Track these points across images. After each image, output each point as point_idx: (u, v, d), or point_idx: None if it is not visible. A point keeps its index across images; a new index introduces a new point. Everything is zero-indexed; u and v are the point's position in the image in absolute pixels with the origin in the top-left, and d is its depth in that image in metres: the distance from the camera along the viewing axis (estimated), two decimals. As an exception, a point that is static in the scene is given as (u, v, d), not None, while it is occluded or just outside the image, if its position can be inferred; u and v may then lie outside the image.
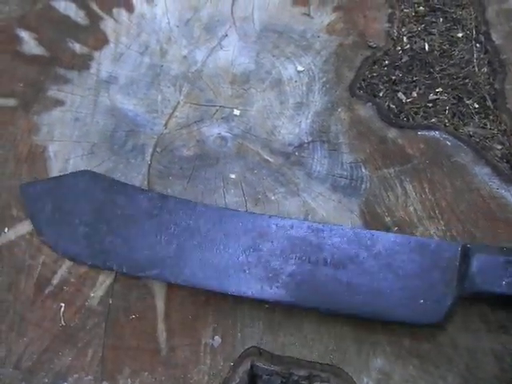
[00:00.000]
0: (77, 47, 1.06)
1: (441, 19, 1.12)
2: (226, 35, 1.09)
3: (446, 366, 0.76)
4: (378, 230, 0.85)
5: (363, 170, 0.92)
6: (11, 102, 0.99)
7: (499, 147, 0.96)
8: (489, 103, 1.01)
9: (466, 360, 0.76)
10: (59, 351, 0.79)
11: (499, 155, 0.95)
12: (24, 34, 1.07)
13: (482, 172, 0.90)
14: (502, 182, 0.89)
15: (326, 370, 0.77)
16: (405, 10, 1.13)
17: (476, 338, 0.78)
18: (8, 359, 0.78)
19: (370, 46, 1.07)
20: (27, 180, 0.90)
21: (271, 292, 0.77)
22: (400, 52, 1.08)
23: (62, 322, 0.80)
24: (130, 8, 1.12)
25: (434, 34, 1.10)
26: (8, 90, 1.00)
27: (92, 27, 1.09)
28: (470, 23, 1.11)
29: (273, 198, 0.90)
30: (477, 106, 1.01)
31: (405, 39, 1.10)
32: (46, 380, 0.77)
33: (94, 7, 1.11)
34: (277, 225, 0.81)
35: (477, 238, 0.84)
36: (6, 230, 0.87)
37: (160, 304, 0.82)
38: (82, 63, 1.05)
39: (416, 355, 0.77)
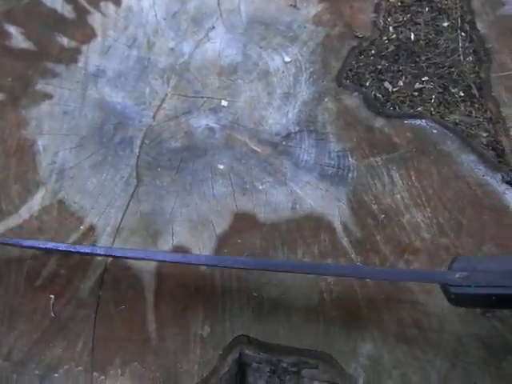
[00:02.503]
0: (64, 41, 1.06)
1: (426, 9, 1.13)
2: (213, 27, 1.09)
3: (433, 351, 0.77)
4: (364, 218, 0.86)
5: (350, 159, 0.93)
6: (0, 96, 0.99)
7: (485, 135, 0.96)
8: (474, 91, 1.01)
9: (453, 345, 0.77)
10: (50, 343, 0.79)
11: (485, 143, 0.95)
12: (11, 29, 1.07)
13: (468, 159, 0.91)
14: (488, 169, 0.90)
15: (315, 357, 0.78)
16: (391, 1, 1.13)
17: (462, 323, 0.78)
18: (-1, 352, 0.78)
19: (356, 37, 1.07)
20: (15, 175, 0.90)
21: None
22: (386, 42, 1.08)
23: (53, 314, 0.81)
24: (117, 1, 1.12)
25: (420, 24, 1.11)
26: (-3, 85, 1.00)
27: (79, 21, 1.09)
28: (456, 13, 1.11)
29: (260, 187, 0.90)
30: (462, 94, 1.02)
31: (391, 29, 1.10)
32: (37, 372, 0.77)
33: (81, 1, 1.11)
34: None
35: (463, 224, 0.85)
36: (-4, 223, 0.87)
37: (149, 295, 0.82)
38: (70, 57, 1.05)
39: (404, 341, 0.77)
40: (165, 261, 0.80)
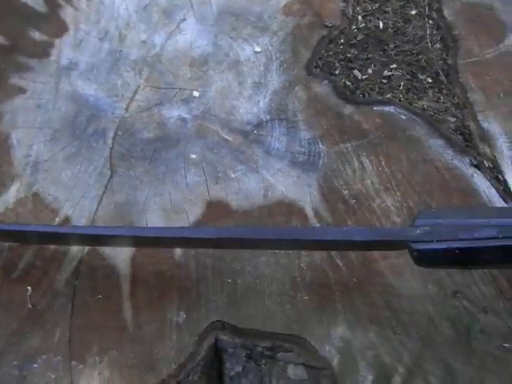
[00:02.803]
0: (37, 35, 1.07)
1: (394, -3, 1.14)
2: (184, 19, 1.10)
3: (405, 332, 0.78)
4: (335, 203, 0.88)
5: (321, 146, 0.94)
6: (-28, 90, 0.99)
7: (452, 120, 0.98)
8: (442, 78, 1.03)
9: (424, 326, 0.78)
10: (27, 333, 0.79)
11: (453, 127, 0.97)
12: None
13: (437, 144, 0.93)
14: (456, 153, 0.91)
15: (289, 341, 0.79)
16: (359, -11, 1.15)
17: (433, 305, 0.80)
18: (-24, 343, 0.79)
19: (325, 26, 1.09)
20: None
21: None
22: (355, 30, 1.10)
23: (30, 305, 0.81)
24: (88, -5, 1.13)
25: (388, 13, 1.12)
26: (-31, 79, 1.00)
27: (51, 15, 1.09)
28: (423, 1, 1.13)
29: (233, 175, 0.91)
30: (430, 80, 1.03)
31: (360, 18, 1.11)
32: (15, 362, 0.77)
33: (53, -6, 1.12)
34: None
35: (432, 207, 0.86)
36: (-29, 216, 0.87)
37: (125, 283, 0.83)
38: (43, 51, 1.05)
39: (376, 323, 0.79)
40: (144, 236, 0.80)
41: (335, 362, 0.77)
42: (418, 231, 0.69)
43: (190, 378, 0.77)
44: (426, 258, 0.69)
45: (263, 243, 0.79)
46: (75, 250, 0.85)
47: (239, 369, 0.80)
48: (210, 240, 0.77)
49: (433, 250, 0.68)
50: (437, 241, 0.67)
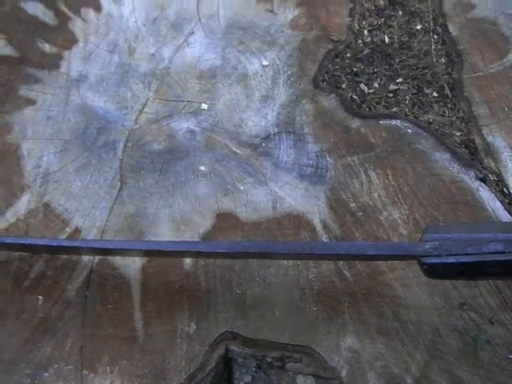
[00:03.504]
0: (46, 47, 1.07)
1: (400, 12, 1.15)
2: (193, 32, 1.11)
3: (412, 343, 0.79)
4: (343, 215, 0.89)
5: (328, 159, 0.95)
6: (-18, 102, 1.00)
7: (458, 133, 0.99)
8: (447, 92, 1.04)
9: (431, 337, 0.80)
10: (39, 342, 0.80)
11: (458, 141, 0.98)
12: None
13: (443, 158, 0.94)
14: (462, 167, 0.93)
15: (298, 351, 0.80)
16: (365, 5, 1.16)
17: (440, 316, 0.81)
18: (-12, 352, 0.80)
19: (332, 40, 1.10)
20: (0, 179, 0.92)
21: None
22: (361, 45, 1.11)
23: (41, 314, 0.82)
24: (97, 7, 1.13)
25: (394, 27, 1.13)
26: (-22, 91, 1.01)
27: (61, 27, 1.10)
28: (428, 16, 1.14)
29: (242, 187, 0.93)
30: (436, 94, 1.04)
31: (365, 32, 1.12)
32: (27, 371, 0.78)
33: (62, 7, 1.13)
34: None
35: (439, 220, 0.87)
36: (-18, 227, 0.88)
37: (136, 293, 0.84)
38: (52, 63, 1.06)
39: (384, 334, 0.80)
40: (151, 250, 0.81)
41: (344, 373, 0.78)
42: (428, 246, 0.72)
43: (200, 387, 0.78)
44: (436, 271, 0.72)
45: (277, 256, 0.81)
46: (86, 259, 0.86)
47: (248, 379, 0.80)
48: (226, 254, 0.78)
49: (442, 264, 0.70)
50: (446, 255, 0.70)
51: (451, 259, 0.70)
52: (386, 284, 0.84)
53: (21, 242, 0.82)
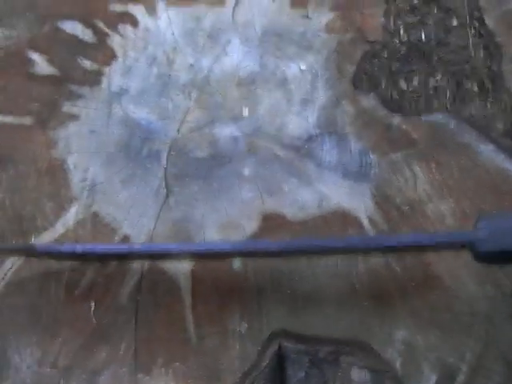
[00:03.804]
0: (87, 64, 1.09)
1: (435, 9, 1.14)
2: (229, 42, 1.12)
3: (465, 333, 0.79)
4: (389, 211, 0.89)
5: (371, 156, 0.95)
6: (27, 120, 1.02)
7: (500, 125, 0.99)
8: (488, 85, 1.04)
9: (484, 326, 0.79)
10: (93, 348, 0.82)
11: (501, 132, 0.98)
12: (35, 56, 1.09)
13: (487, 149, 0.93)
14: (507, 157, 0.92)
15: (351, 345, 0.80)
16: (400, 5, 1.16)
17: (492, 304, 0.81)
18: (45, 360, 0.81)
19: (368, 41, 1.10)
20: (49, 192, 0.94)
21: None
22: (398, 44, 1.10)
23: (94, 321, 0.83)
24: (134, 23, 1.14)
25: (430, 25, 1.13)
26: (24, 110, 1.03)
27: (100, 44, 1.11)
28: (464, 10, 1.13)
29: (286, 189, 0.93)
30: (476, 88, 1.04)
31: (401, 32, 1.12)
32: (84, 376, 0.80)
33: (100, 25, 1.14)
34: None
35: (492, 210, 0.87)
36: (33, 239, 0.90)
37: (186, 296, 0.85)
38: (93, 79, 1.07)
39: (436, 325, 0.80)
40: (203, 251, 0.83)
41: (398, 365, 0.78)
42: (481, 233, 0.73)
43: (255, 386, 0.78)
44: (490, 258, 0.74)
45: (335, 252, 0.83)
46: (136, 266, 0.87)
47: (302, 375, 0.80)
48: (285, 252, 0.81)
49: (496, 251, 0.72)
50: (500, 242, 0.72)
51: (504, 245, 0.71)
52: (435, 276, 0.83)
53: (62, 249, 0.84)
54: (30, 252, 0.85)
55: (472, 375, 0.77)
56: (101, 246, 0.84)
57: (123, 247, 0.85)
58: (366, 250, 0.82)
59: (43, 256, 0.87)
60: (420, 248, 0.80)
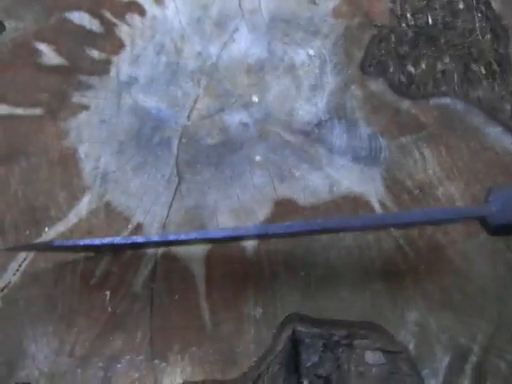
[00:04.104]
0: (95, 54, 1.09)
1: (441, -7, 1.15)
2: (237, 29, 1.12)
3: (477, 314, 0.80)
4: (399, 194, 0.90)
5: (381, 140, 0.96)
6: (37, 111, 1.02)
7: (509, 107, 0.99)
8: (495, 67, 1.04)
9: (496, 307, 0.80)
10: (110, 336, 0.82)
11: (509, 114, 0.98)
12: (42, 47, 1.10)
13: (495, 131, 0.94)
14: (515, 139, 0.93)
15: (365, 328, 0.81)
16: (406, -11, 1.16)
17: (503, 285, 0.82)
18: (62, 349, 0.82)
19: (375, 26, 1.10)
20: (61, 182, 0.94)
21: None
22: (405, 28, 1.11)
23: (109, 309, 0.84)
24: (141, 12, 1.15)
25: (436, 9, 1.13)
26: (33, 101, 1.03)
27: (107, 34, 1.12)
28: (470, -6, 1.14)
29: (297, 174, 0.94)
30: (484, 71, 1.04)
31: (408, 16, 1.13)
32: (101, 364, 0.80)
33: (107, 15, 1.14)
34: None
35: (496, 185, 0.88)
36: (47, 229, 0.90)
37: (201, 284, 0.85)
38: (102, 68, 1.08)
39: (448, 307, 0.81)
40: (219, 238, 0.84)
41: (411, 346, 0.79)
42: (493, 206, 0.74)
43: (270, 369, 0.79)
44: (501, 230, 0.75)
45: (351, 229, 0.84)
46: (150, 253, 0.88)
47: (316, 359, 0.81)
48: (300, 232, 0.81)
49: (509, 222, 0.73)
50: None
51: None
52: (447, 258, 0.84)
53: (80, 243, 0.85)
54: (49, 248, 0.86)
55: (484, 355, 0.78)
56: (118, 239, 0.85)
57: (140, 239, 0.85)
58: (382, 226, 0.83)
59: (62, 251, 0.87)
60: (434, 223, 0.81)
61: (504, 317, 0.79)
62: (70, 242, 0.85)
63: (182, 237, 0.83)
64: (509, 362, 0.77)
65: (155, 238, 0.83)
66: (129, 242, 0.83)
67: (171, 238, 0.83)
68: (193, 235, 0.82)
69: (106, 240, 0.83)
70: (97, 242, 0.84)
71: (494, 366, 0.77)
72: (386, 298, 0.83)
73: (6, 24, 1.13)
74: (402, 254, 0.85)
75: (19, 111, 1.02)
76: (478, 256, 0.84)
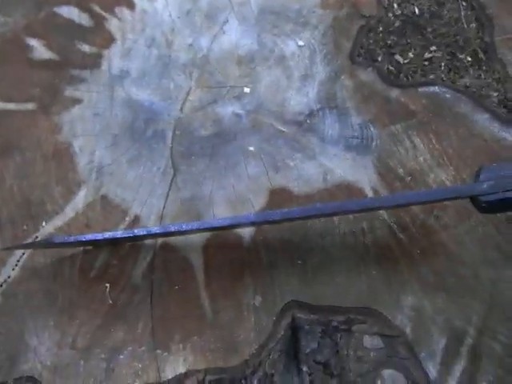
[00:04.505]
0: (86, 48, 1.10)
1: (427, -17, 1.17)
2: (227, 21, 1.13)
3: (470, 296, 0.82)
4: (392, 181, 0.91)
5: (372, 129, 0.98)
6: (30, 105, 1.03)
7: (495, 94, 1.01)
8: (481, 55, 1.06)
9: (488, 289, 0.82)
10: (111, 328, 0.83)
11: (496, 101, 1.00)
12: (33, 42, 1.10)
13: (483, 118, 0.96)
14: (502, 125, 0.95)
15: (362, 313, 0.83)
16: (392, -21, 1.18)
17: (495, 268, 0.84)
18: (63, 341, 0.83)
19: (363, 16, 1.12)
20: (56, 177, 0.95)
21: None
22: (392, 18, 1.13)
23: (110, 301, 0.85)
24: (130, 5, 1.16)
25: (422, -2, 1.16)
26: (26, 96, 1.04)
27: (97, 28, 1.13)
28: (455, -16, 1.16)
29: (291, 164, 0.95)
30: (470, 59, 1.06)
31: (395, 6, 1.14)
32: (103, 355, 0.81)
33: (96, 8, 1.15)
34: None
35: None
36: (44, 224, 0.91)
37: (199, 273, 0.87)
38: (93, 62, 1.08)
39: (443, 290, 0.83)
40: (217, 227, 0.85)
41: (408, 330, 0.81)
42: (485, 185, 0.77)
43: (271, 356, 0.81)
44: (493, 208, 0.77)
45: (349, 212, 0.85)
46: (148, 245, 0.89)
47: (315, 345, 0.83)
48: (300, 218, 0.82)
49: (499, 200, 0.76)
50: (502, 191, 0.75)
51: (508, 194, 0.75)
52: (439, 242, 0.86)
53: (82, 239, 0.86)
54: (49, 245, 0.87)
55: (479, 337, 0.80)
56: (120, 233, 0.86)
57: (140, 232, 0.86)
58: (378, 208, 0.84)
59: (62, 247, 0.88)
60: (429, 203, 0.83)
61: (496, 298, 0.81)
62: (72, 239, 0.86)
63: (184, 227, 0.83)
64: (503, 344, 0.79)
65: (156, 229, 0.84)
66: (131, 235, 0.84)
67: (172, 229, 0.84)
68: (194, 225, 0.84)
69: (108, 235, 0.84)
70: (99, 236, 0.85)
71: (488, 347, 0.79)
72: (382, 283, 0.84)
73: (-5, 19, 1.13)
74: (396, 239, 0.87)
75: (11, 106, 1.03)
76: (470, 240, 0.86)
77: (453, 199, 0.80)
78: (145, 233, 0.84)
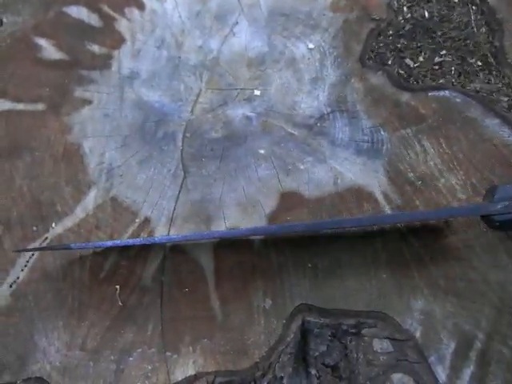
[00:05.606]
0: (95, 48, 1.10)
1: (437, -13, 1.17)
2: (237, 23, 1.14)
3: (480, 300, 0.82)
4: (402, 185, 0.91)
5: (382, 133, 0.98)
6: (40, 106, 1.03)
7: (505, 99, 1.01)
8: (491, 60, 1.06)
9: (498, 293, 0.82)
10: (121, 329, 0.84)
11: (506, 106, 1.00)
12: (42, 42, 1.10)
13: (493, 123, 0.96)
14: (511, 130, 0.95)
15: (372, 317, 0.83)
16: (402, -18, 1.18)
17: (505, 272, 0.84)
18: (73, 343, 0.83)
19: (373, 19, 1.12)
20: (66, 178, 0.95)
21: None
22: (402, 21, 1.13)
23: (120, 303, 0.85)
24: (140, 6, 1.16)
25: (432, 2, 1.15)
26: (35, 96, 1.04)
27: (107, 28, 1.13)
28: (465, -12, 1.16)
29: (302, 167, 0.95)
30: (480, 63, 1.06)
31: (405, 9, 1.14)
32: (112, 357, 0.81)
33: (106, 9, 1.15)
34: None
35: (495, 182, 0.90)
36: (54, 224, 0.91)
37: (210, 275, 0.87)
38: (103, 63, 1.09)
39: (452, 294, 0.83)
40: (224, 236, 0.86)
41: (418, 334, 0.81)
42: (499, 206, 0.80)
43: (281, 359, 0.81)
44: (505, 226, 0.81)
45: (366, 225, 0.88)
46: (158, 247, 0.89)
47: (324, 348, 0.83)
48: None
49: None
50: None
51: None
52: (450, 247, 0.86)
53: (102, 245, 0.87)
54: (65, 249, 0.87)
55: (488, 342, 0.80)
56: (140, 240, 0.86)
57: (154, 239, 0.86)
58: (394, 223, 0.86)
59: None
60: (444, 220, 0.84)
61: (505, 302, 0.82)
62: (90, 245, 0.86)
63: (195, 236, 0.84)
64: (511, 348, 0.79)
65: (175, 237, 0.85)
66: (146, 243, 0.85)
67: (181, 237, 0.85)
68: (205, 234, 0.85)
69: (126, 242, 0.86)
70: (118, 243, 0.86)
71: (497, 351, 0.79)
72: (393, 287, 0.84)
73: (4, 19, 1.13)
74: (407, 244, 0.87)
75: (20, 106, 1.03)
76: (479, 245, 0.86)
77: (468, 216, 0.82)
78: (164, 241, 0.84)
